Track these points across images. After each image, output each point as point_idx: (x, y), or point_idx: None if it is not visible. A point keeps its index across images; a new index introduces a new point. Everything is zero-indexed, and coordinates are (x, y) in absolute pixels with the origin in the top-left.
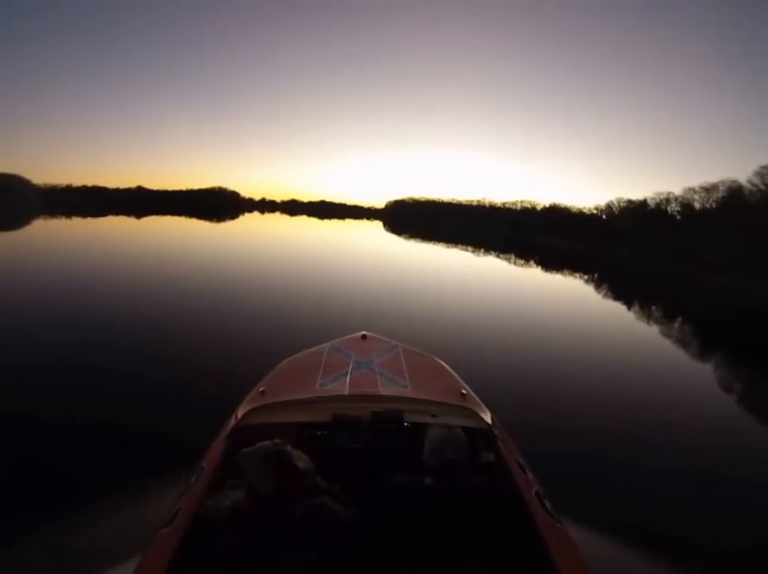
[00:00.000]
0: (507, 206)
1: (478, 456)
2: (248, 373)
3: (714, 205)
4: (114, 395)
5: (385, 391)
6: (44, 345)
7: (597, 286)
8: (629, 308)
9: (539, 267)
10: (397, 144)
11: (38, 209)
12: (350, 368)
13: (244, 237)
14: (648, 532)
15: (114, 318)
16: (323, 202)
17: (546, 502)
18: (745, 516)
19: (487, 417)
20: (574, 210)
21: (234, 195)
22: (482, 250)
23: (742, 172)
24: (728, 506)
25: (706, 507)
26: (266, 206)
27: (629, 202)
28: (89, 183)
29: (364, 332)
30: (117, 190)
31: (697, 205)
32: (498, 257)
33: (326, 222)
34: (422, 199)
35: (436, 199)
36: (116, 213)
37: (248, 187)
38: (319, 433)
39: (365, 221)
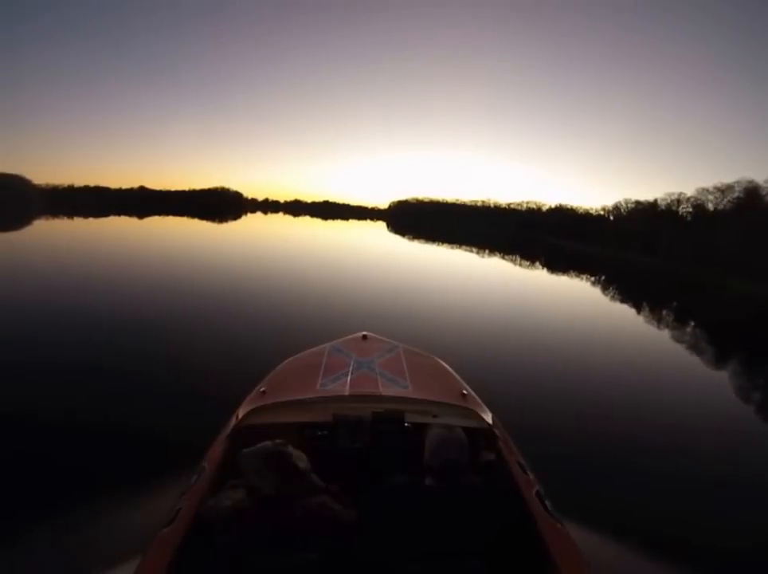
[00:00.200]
0: (512, 206)
1: (479, 456)
2: (248, 373)
3: (729, 206)
4: (115, 395)
5: (385, 391)
6: (45, 344)
7: (604, 288)
8: (637, 310)
9: (544, 269)
10: (400, 145)
11: (39, 209)
12: (351, 368)
13: (246, 238)
14: (648, 532)
15: (115, 318)
16: (326, 203)
17: (547, 502)
18: (745, 516)
19: (488, 417)
20: (581, 210)
21: (237, 195)
22: (486, 251)
23: (756, 173)
24: (729, 507)
25: (706, 507)
26: (269, 206)
27: (637, 202)
28: (91, 183)
29: (365, 333)
30: (119, 191)
31: (711, 206)
32: (503, 258)
33: (329, 222)
34: (426, 200)
35: (441, 200)
36: (118, 213)
37: (252, 188)
38: (319, 433)
39: (368, 221)
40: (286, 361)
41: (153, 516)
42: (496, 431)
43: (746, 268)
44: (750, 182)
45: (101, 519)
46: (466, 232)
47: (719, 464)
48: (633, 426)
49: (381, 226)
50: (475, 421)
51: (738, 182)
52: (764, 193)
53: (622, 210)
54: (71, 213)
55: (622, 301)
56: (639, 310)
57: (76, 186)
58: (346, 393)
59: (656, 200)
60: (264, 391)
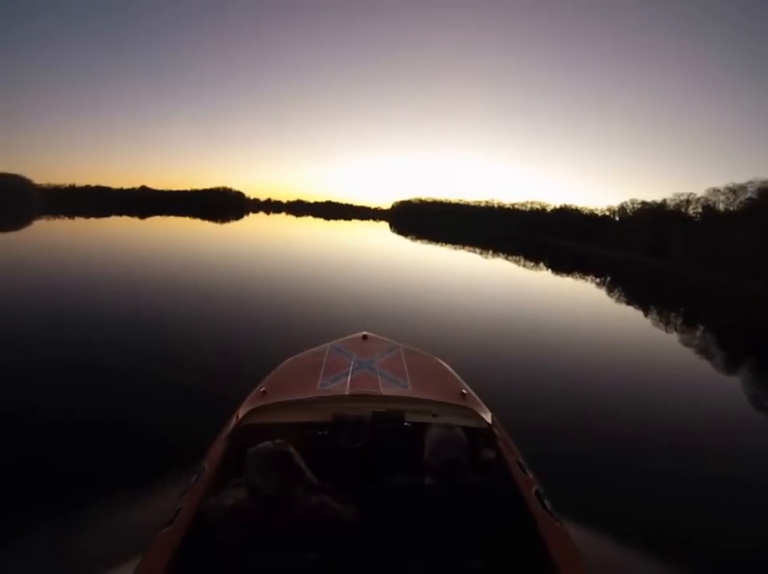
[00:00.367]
0: (515, 206)
1: (478, 455)
2: (249, 373)
3: (741, 207)
4: (114, 394)
5: (385, 391)
6: (45, 344)
7: (610, 290)
8: (644, 312)
9: (548, 270)
10: (403, 145)
11: (39, 209)
12: (351, 368)
13: (248, 238)
14: (647, 531)
15: (115, 318)
16: (328, 203)
17: (546, 502)
18: (745, 516)
19: (488, 417)
20: (586, 211)
21: (239, 195)
22: (490, 252)
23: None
24: (729, 507)
25: (706, 507)
26: (272, 206)
27: (644, 203)
28: (93, 183)
29: (365, 333)
30: (121, 190)
31: (722, 206)
32: (506, 259)
33: (332, 222)
34: (429, 200)
35: (444, 200)
36: (120, 213)
37: (254, 188)
38: (320, 433)
39: (371, 222)
40: (286, 361)
41: (153, 516)
42: (496, 431)
43: (761, 270)
44: (765, 182)
45: (101, 519)
46: (469, 232)
47: (719, 464)
48: (633, 427)
49: (383, 226)
50: (474, 420)
51: (751, 182)
52: None
53: (628, 211)
54: (72, 213)
55: (628, 303)
56: (645, 312)
57: (77, 185)
58: (347, 393)
59: (664, 201)
60: (264, 391)
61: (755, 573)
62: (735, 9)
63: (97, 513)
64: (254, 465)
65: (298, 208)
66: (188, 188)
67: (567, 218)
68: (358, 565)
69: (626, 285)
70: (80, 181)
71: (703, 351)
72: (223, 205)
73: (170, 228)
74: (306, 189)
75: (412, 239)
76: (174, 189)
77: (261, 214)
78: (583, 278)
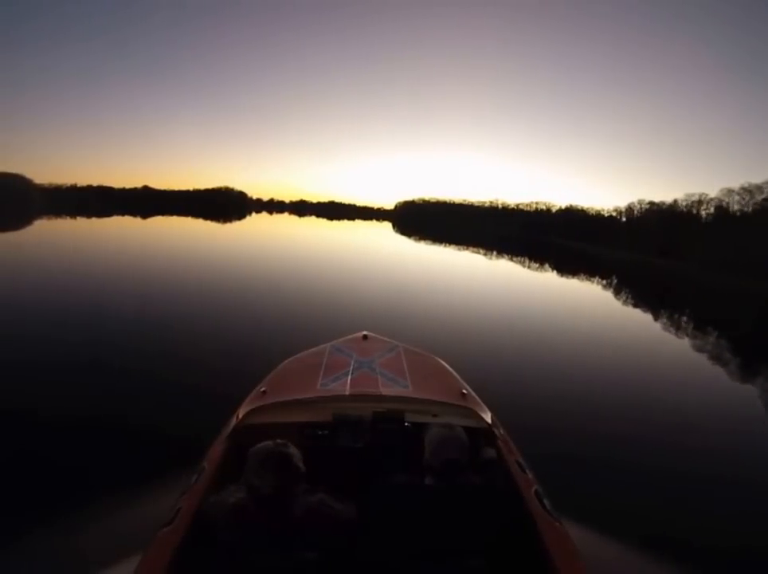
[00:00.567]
0: (520, 207)
1: (478, 455)
2: (249, 373)
3: (757, 207)
4: (115, 394)
5: (386, 390)
6: (45, 343)
7: (616, 292)
8: (653, 316)
9: (553, 271)
10: (407, 145)
11: (39, 208)
12: (351, 368)
13: (249, 238)
14: (646, 531)
15: (115, 317)
16: (331, 203)
17: (546, 501)
18: (746, 517)
19: (488, 417)
20: (592, 212)
21: (241, 195)
22: (494, 253)
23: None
24: (729, 507)
25: (706, 508)
26: (274, 206)
27: (652, 203)
28: (95, 183)
29: (365, 332)
30: (123, 190)
31: (737, 207)
32: (510, 259)
33: (335, 222)
34: (432, 200)
35: (447, 200)
36: (122, 213)
37: (257, 188)
38: (320, 433)
39: (374, 222)
40: (286, 361)
41: (153, 516)
42: (496, 431)
43: None
44: None
45: (101, 519)
46: (473, 233)
47: (720, 465)
48: (633, 427)
49: (386, 226)
50: (474, 420)
51: (767, 182)
52: None
53: (635, 211)
54: (74, 212)
55: (635, 305)
56: (653, 314)
57: (79, 185)
58: (347, 393)
59: (675, 201)
60: (264, 391)
61: (755, 573)
62: (746, 6)
63: (97, 512)
64: (253, 464)
65: (301, 208)
66: (190, 188)
67: (573, 218)
68: (358, 565)
69: (634, 286)
70: (82, 181)
71: (709, 353)
72: (225, 205)
73: (171, 228)
74: (309, 189)
75: (415, 239)
76: (177, 189)
77: (264, 214)
78: (589, 280)
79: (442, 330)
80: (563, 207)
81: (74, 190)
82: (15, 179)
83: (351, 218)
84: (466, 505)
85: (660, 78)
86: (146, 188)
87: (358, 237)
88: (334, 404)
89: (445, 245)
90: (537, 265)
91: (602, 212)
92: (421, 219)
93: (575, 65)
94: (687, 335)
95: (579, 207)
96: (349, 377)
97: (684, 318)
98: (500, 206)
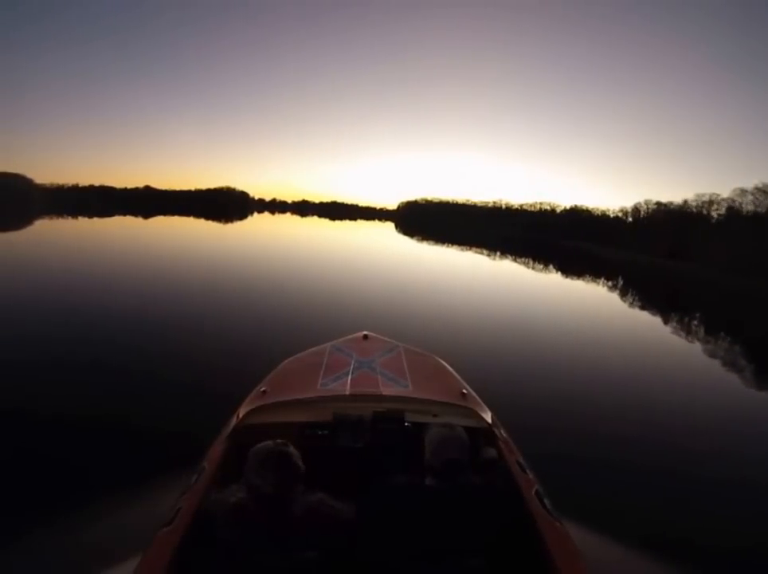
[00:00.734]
0: (524, 207)
1: (479, 455)
2: (249, 372)
3: None
4: (115, 394)
5: (386, 390)
6: (46, 342)
7: (623, 294)
8: (662, 318)
9: (558, 272)
10: (410, 145)
11: (40, 208)
12: (352, 368)
13: (250, 238)
14: (647, 531)
15: (116, 317)
16: (334, 203)
17: (546, 502)
18: (746, 517)
19: (488, 416)
20: (597, 212)
21: (243, 195)
22: (497, 254)
23: None
24: (729, 507)
25: (707, 508)
26: (277, 206)
27: (659, 204)
28: (96, 183)
29: (365, 332)
30: (125, 190)
31: (750, 208)
32: (515, 260)
33: (337, 223)
34: (435, 200)
35: (450, 200)
36: (123, 213)
37: (260, 188)
38: (320, 432)
39: (377, 222)
40: (287, 361)
41: (153, 516)
42: (496, 431)
43: None
44: None
45: (101, 519)
46: (477, 233)
47: (720, 465)
48: (634, 428)
49: (389, 226)
50: (474, 420)
51: None
52: None
53: (642, 212)
54: (75, 213)
55: (642, 307)
56: (661, 316)
57: (80, 185)
58: (347, 392)
59: (685, 202)
60: (264, 391)
61: (755, 573)
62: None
63: (97, 512)
64: (254, 464)
65: (303, 208)
66: (192, 188)
67: (578, 218)
68: (358, 565)
69: (640, 288)
70: (84, 181)
71: (714, 355)
72: (227, 205)
73: (173, 228)
74: (311, 189)
75: (418, 240)
76: (178, 189)
77: (266, 214)
78: (594, 281)
79: (444, 330)
80: (568, 208)
81: (76, 190)
82: (16, 179)
83: (354, 218)
84: (466, 505)
85: (664, 77)
86: (147, 188)
87: (359, 238)
88: (334, 404)
89: (448, 246)
90: (540, 266)
91: (608, 212)
92: (424, 219)
93: (578, 65)
94: (691, 336)
95: (584, 207)
96: (349, 377)
97: (688, 319)
98: (504, 206)
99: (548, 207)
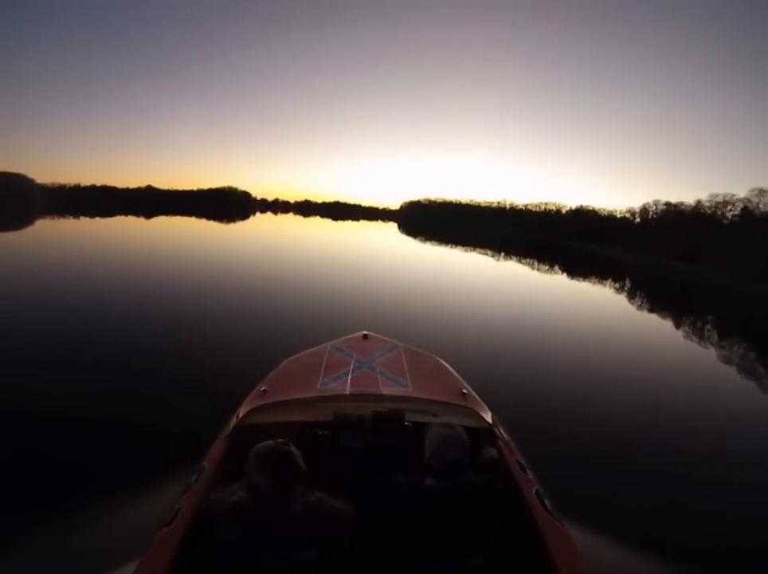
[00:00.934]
0: (528, 208)
1: (479, 455)
2: (249, 372)
3: None
4: (115, 393)
5: (386, 390)
6: (47, 341)
7: (629, 296)
8: (673, 323)
9: (563, 274)
10: (413, 145)
11: (41, 208)
12: (352, 368)
13: (252, 239)
14: (647, 532)
15: (116, 317)
16: (336, 203)
17: (547, 502)
18: (746, 517)
19: (488, 416)
20: (604, 213)
21: (245, 195)
22: (501, 254)
23: None
24: (729, 508)
25: (707, 508)
26: (279, 206)
27: (668, 204)
28: (98, 183)
29: (365, 332)
30: (126, 190)
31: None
32: (519, 261)
33: (339, 223)
34: (439, 200)
35: (454, 200)
36: (125, 213)
37: (263, 188)
38: (320, 432)
39: (379, 222)
40: (287, 360)
41: (153, 516)
42: (496, 430)
43: None
44: None
45: (101, 519)
46: (481, 234)
47: (721, 467)
48: (634, 428)
49: (392, 226)
50: (475, 420)
51: None
52: None
53: (651, 212)
54: (77, 212)
55: (650, 310)
56: (665, 318)
57: (82, 185)
58: (347, 392)
59: (698, 202)
60: (264, 390)
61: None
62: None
63: (97, 512)
64: (254, 463)
65: (306, 208)
66: (194, 188)
67: (584, 219)
68: (358, 564)
69: (650, 291)
70: (86, 180)
71: (718, 356)
72: (229, 205)
73: (175, 227)
74: (314, 189)
75: (421, 240)
76: (180, 189)
77: (269, 214)
78: (600, 283)
79: (445, 330)
80: (573, 208)
81: (77, 189)
82: (16, 179)
83: (356, 218)
84: (466, 505)
85: (668, 77)
86: (149, 188)
87: (362, 238)
88: (334, 404)
89: (451, 247)
90: (545, 267)
91: (614, 213)
92: (427, 220)
93: (583, 65)
94: (698, 340)
95: (590, 208)
96: (349, 377)
97: (697, 323)
98: (508, 206)
99: (553, 208)
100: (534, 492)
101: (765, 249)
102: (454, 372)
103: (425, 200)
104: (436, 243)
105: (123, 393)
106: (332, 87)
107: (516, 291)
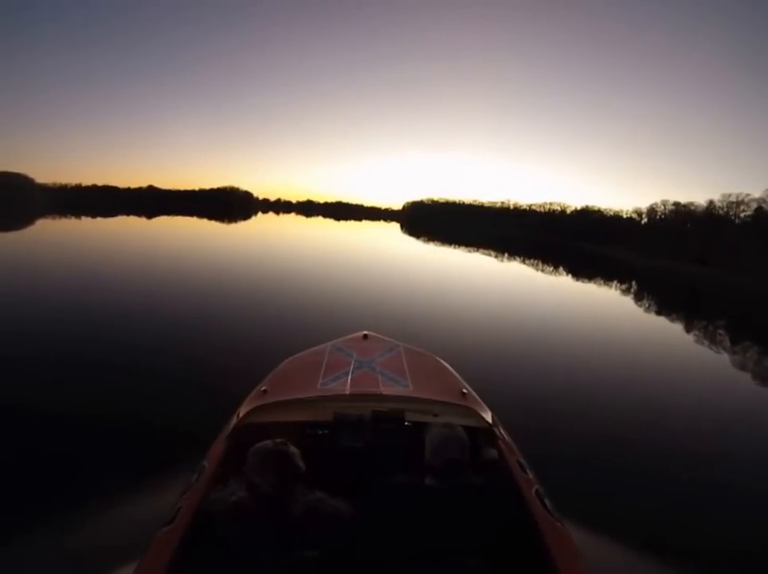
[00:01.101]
0: (533, 208)
1: (479, 455)
2: (250, 372)
3: None
4: (115, 393)
5: (386, 390)
6: (48, 340)
7: (638, 299)
8: (684, 327)
9: (568, 275)
10: (416, 145)
11: (42, 208)
12: (352, 368)
13: (253, 239)
14: (647, 532)
15: (118, 315)
16: (339, 203)
17: (547, 501)
18: (746, 518)
19: (488, 416)
20: (609, 213)
21: (247, 195)
22: (505, 255)
23: None
24: (729, 508)
25: (707, 509)
26: (282, 206)
27: (677, 204)
28: (99, 182)
29: (365, 332)
30: (128, 190)
31: None
32: (523, 262)
33: (342, 223)
34: (442, 200)
35: (457, 201)
36: (127, 213)
37: (265, 188)
38: (320, 432)
39: (382, 222)
40: (287, 360)
41: (153, 515)
42: (496, 430)
43: None
44: None
45: (101, 518)
46: (484, 234)
47: (720, 467)
48: (635, 428)
49: (394, 227)
50: (475, 420)
51: None
52: None
53: (659, 213)
54: (78, 212)
55: (658, 313)
56: (673, 320)
57: (83, 185)
58: (347, 392)
59: (711, 202)
60: (265, 390)
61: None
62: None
63: (97, 511)
64: (253, 463)
65: (308, 208)
66: (195, 188)
67: (589, 219)
68: (357, 564)
69: (656, 292)
70: (87, 180)
71: (721, 356)
72: (230, 205)
73: (176, 227)
74: (316, 189)
75: (423, 241)
76: (182, 189)
77: (271, 214)
78: (607, 285)
79: (446, 330)
80: (578, 208)
81: (79, 189)
82: (16, 179)
83: (359, 218)
84: (466, 505)
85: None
86: (151, 188)
87: (364, 238)
88: (334, 404)
89: (454, 247)
90: (549, 268)
91: (620, 213)
92: (430, 220)
93: (587, 64)
94: (701, 340)
95: (596, 208)
96: (349, 376)
97: (701, 323)
98: (512, 206)
99: (558, 208)
100: (534, 492)
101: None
102: (454, 372)
103: (428, 200)
104: (438, 244)
105: (122, 392)
106: (334, 87)
107: (519, 292)
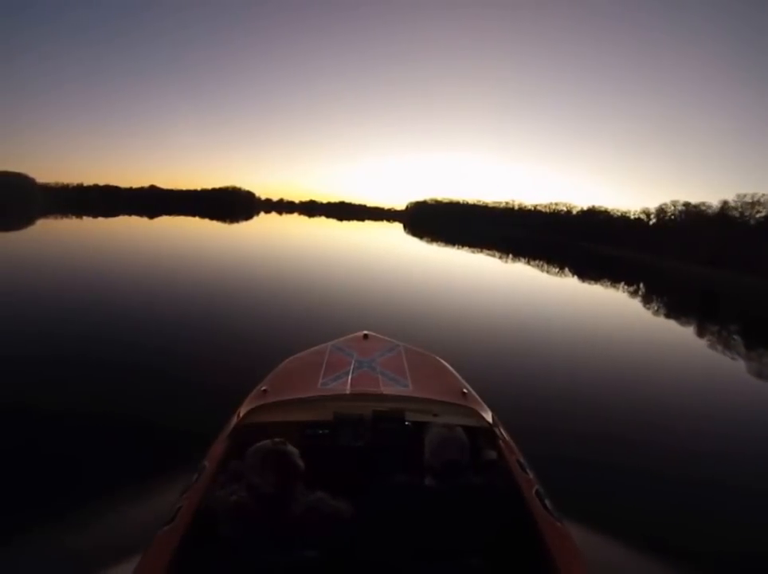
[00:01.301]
0: (538, 208)
1: (479, 455)
2: (250, 371)
3: None
4: (115, 393)
5: (386, 390)
6: (48, 339)
7: (646, 301)
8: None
9: (574, 276)
10: (419, 145)
11: (42, 208)
12: (352, 367)
13: (254, 239)
14: (647, 531)
15: (118, 315)
16: (342, 203)
17: (547, 501)
18: (746, 518)
19: (488, 416)
20: (616, 213)
21: (249, 195)
22: (509, 256)
23: None
24: (729, 508)
25: (707, 509)
26: (284, 206)
27: (687, 204)
28: (101, 182)
29: (366, 332)
30: (130, 190)
31: None
32: (528, 263)
33: (344, 223)
34: (445, 200)
35: (461, 201)
36: (128, 213)
37: (268, 188)
38: (320, 432)
39: (385, 222)
40: (287, 360)
41: (153, 515)
42: (496, 430)
43: None
44: None
45: (101, 518)
46: (488, 235)
47: (721, 468)
48: (635, 428)
49: (397, 227)
50: (475, 420)
51: None
52: None
53: (669, 213)
54: (80, 212)
55: (667, 316)
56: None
57: (85, 185)
58: (347, 392)
59: (725, 202)
60: (265, 390)
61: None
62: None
63: (97, 511)
64: (253, 463)
65: (311, 208)
66: (197, 188)
67: (596, 220)
68: (358, 564)
69: (666, 294)
70: (89, 180)
71: (722, 356)
72: (233, 205)
73: (178, 227)
74: (319, 189)
75: (427, 241)
76: (184, 188)
77: (273, 214)
78: (614, 287)
79: (447, 330)
80: (584, 208)
81: (80, 189)
82: (17, 179)
83: (361, 218)
84: (466, 504)
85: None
86: (152, 188)
87: (366, 238)
88: (334, 403)
89: (458, 248)
90: (554, 270)
91: (627, 214)
92: (434, 220)
93: (591, 64)
94: (704, 341)
95: (602, 208)
96: (349, 376)
97: (710, 325)
98: (517, 207)
99: (564, 208)
100: (534, 492)
101: None
102: (454, 372)
103: (431, 200)
104: (442, 244)
105: (123, 392)
106: (337, 87)
107: (521, 292)
